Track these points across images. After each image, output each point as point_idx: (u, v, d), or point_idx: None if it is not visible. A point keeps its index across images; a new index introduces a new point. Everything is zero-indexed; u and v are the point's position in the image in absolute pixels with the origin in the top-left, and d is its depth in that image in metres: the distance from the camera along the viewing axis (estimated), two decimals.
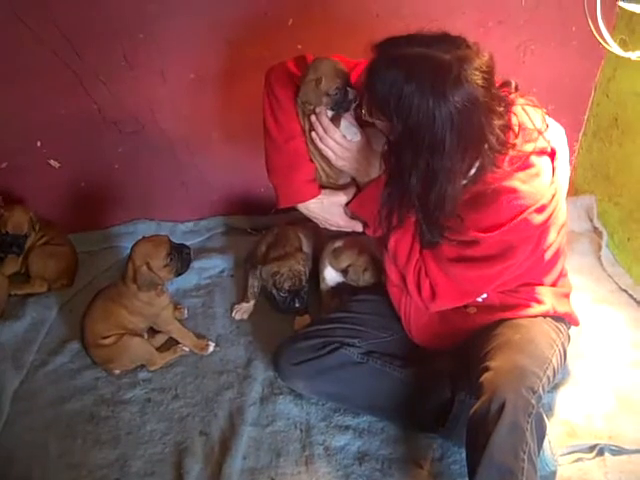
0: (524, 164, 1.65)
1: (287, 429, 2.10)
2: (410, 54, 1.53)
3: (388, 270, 1.96)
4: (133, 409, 2.19)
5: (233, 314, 2.54)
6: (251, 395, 2.21)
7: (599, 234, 2.89)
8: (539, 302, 1.93)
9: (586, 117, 2.95)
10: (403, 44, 1.55)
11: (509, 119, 1.66)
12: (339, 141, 1.85)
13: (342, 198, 1.99)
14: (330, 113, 1.85)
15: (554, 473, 1.91)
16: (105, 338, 2.26)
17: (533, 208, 1.63)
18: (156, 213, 2.97)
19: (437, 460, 1.99)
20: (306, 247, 2.60)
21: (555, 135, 1.75)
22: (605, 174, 2.86)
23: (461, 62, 1.49)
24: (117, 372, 2.30)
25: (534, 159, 1.67)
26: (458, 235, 1.71)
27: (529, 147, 1.66)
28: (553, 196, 1.68)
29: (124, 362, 2.29)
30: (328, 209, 2.00)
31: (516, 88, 1.73)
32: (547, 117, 1.76)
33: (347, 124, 1.86)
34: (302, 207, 2.02)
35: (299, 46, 2.55)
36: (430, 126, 1.51)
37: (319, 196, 1.99)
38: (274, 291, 2.45)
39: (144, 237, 2.24)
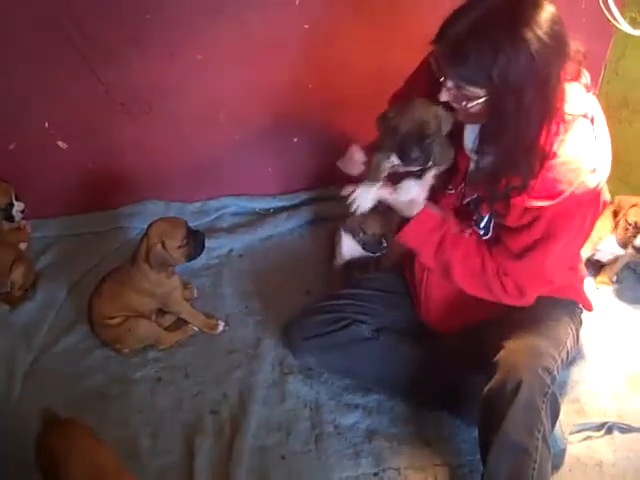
0: (572, 128, 1.62)
1: (297, 408, 2.12)
2: (476, 17, 1.48)
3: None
4: (144, 388, 2.21)
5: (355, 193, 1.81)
6: (261, 374, 2.22)
7: None
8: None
9: (596, 96, 2.92)
10: (464, 13, 1.50)
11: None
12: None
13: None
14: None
15: (564, 451, 1.93)
16: (111, 319, 2.27)
17: (588, 170, 1.59)
18: (164, 193, 2.96)
19: (446, 438, 2.00)
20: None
21: (591, 103, 1.73)
22: (615, 153, 2.82)
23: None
24: (126, 351, 2.31)
25: (580, 123, 1.64)
26: (520, 215, 1.67)
27: (575, 111, 1.64)
28: (602, 160, 1.64)
29: (130, 342, 2.31)
30: None
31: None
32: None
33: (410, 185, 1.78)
34: None
35: (306, 26, 2.53)
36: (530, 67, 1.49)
37: None
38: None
39: (161, 217, 2.25)
